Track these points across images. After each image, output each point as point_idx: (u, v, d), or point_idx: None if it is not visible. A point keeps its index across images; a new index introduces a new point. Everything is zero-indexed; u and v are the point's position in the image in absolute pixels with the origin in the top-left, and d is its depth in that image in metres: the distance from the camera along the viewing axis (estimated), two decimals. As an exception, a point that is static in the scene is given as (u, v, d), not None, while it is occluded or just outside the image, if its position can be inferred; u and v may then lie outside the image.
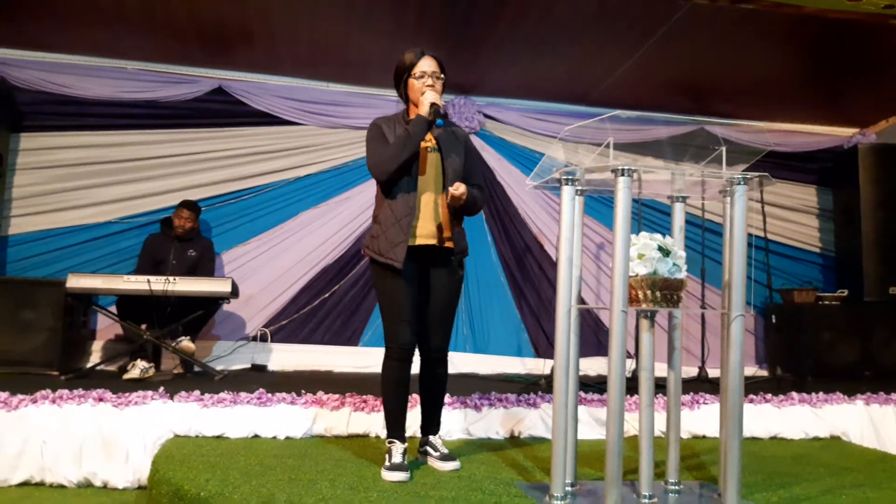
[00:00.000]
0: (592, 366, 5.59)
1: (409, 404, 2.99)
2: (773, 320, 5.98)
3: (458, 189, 2.80)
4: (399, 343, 2.87)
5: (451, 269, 2.94)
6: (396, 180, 2.85)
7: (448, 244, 2.90)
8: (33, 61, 5.44)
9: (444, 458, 2.93)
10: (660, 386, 2.78)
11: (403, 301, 2.85)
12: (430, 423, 3.06)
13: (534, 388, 4.35)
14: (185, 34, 5.12)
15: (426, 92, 2.86)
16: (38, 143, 5.49)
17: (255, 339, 5.65)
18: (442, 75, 2.92)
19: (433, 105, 2.82)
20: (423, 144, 2.86)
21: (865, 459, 3.56)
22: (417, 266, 2.89)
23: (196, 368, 4.91)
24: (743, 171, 2.56)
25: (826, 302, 5.95)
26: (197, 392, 3.68)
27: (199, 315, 4.82)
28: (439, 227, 2.88)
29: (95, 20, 4.92)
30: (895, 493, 2.85)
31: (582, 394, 4.02)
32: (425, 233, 2.86)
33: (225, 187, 5.81)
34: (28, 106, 5.45)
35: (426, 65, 2.89)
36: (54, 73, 5.44)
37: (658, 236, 2.56)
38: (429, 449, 3.00)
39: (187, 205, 5.28)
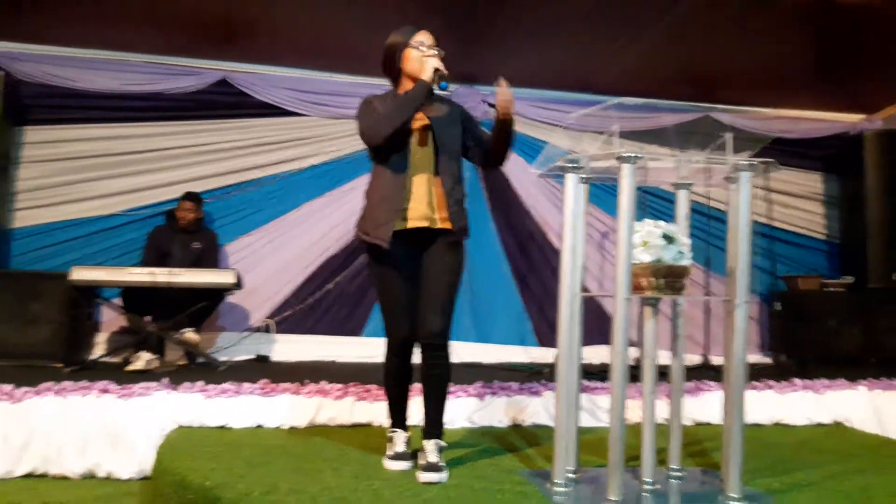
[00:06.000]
0: (596, 354, 5.57)
1: (411, 394, 2.98)
2: (778, 308, 5.96)
3: (505, 92, 2.67)
4: (397, 337, 2.81)
5: (447, 249, 2.77)
6: (389, 154, 2.73)
7: (444, 225, 2.76)
8: (38, 55, 5.43)
9: (427, 467, 2.62)
10: (663, 373, 2.77)
11: (398, 292, 2.77)
12: (427, 422, 2.77)
13: (537, 376, 4.36)
14: (190, 26, 5.11)
15: (429, 58, 2.74)
16: (43, 137, 5.50)
17: (259, 330, 5.67)
18: (440, 49, 2.81)
19: (437, 70, 2.70)
20: (415, 124, 2.75)
21: (868, 445, 3.55)
22: (412, 251, 2.77)
23: (200, 359, 4.93)
24: (748, 157, 2.55)
25: (831, 289, 5.93)
26: (201, 383, 3.69)
27: (204, 306, 4.84)
28: (432, 209, 2.75)
29: (99, 13, 4.91)
30: (899, 478, 2.85)
31: (585, 382, 4.01)
32: (418, 215, 2.73)
33: (229, 179, 5.81)
34: (33, 99, 5.45)
35: (423, 36, 2.80)
36: (59, 66, 5.43)
37: (662, 223, 2.55)
38: (420, 453, 2.75)
39: (189, 196, 5.30)
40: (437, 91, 2.74)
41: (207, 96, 5.74)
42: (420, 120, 2.78)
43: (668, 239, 2.51)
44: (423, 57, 2.77)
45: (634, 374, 2.86)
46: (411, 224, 2.74)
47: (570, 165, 2.59)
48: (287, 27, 5.12)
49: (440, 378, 2.78)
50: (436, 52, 2.78)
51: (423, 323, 2.74)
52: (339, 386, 3.79)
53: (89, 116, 5.57)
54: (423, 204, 2.75)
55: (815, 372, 4.68)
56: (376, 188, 2.78)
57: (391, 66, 2.86)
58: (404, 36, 2.82)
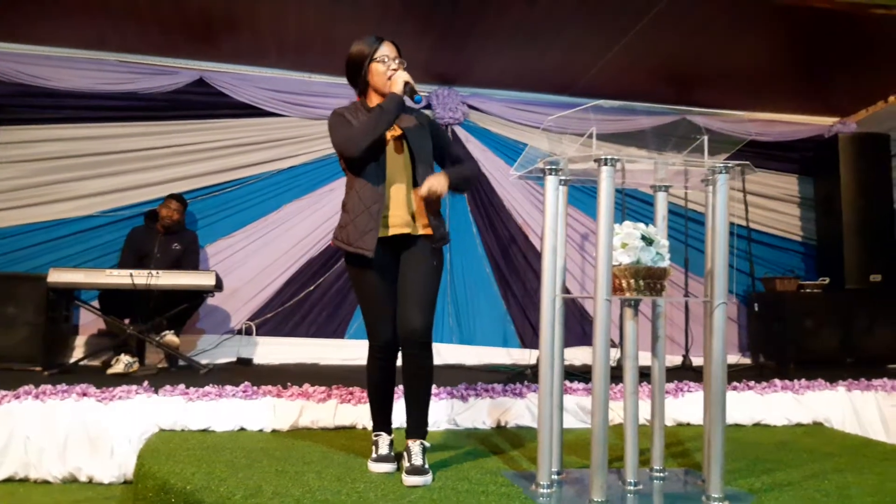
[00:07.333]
0: (577, 355, 5.62)
1: (395, 396, 2.98)
2: (756, 308, 6.02)
3: (424, 189, 2.72)
4: (380, 340, 2.82)
5: (427, 253, 2.79)
6: (364, 165, 2.74)
7: (425, 231, 2.79)
8: (10, 53, 5.36)
9: (411, 470, 2.62)
10: (644, 374, 2.80)
11: (380, 297, 2.79)
12: (411, 422, 2.75)
13: (520, 378, 4.36)
14: (168, 24, 5.06)
15: (398, 71, 2.78)
16: (17, 137, 5.41)
17: (240, 332, 5.63)
18: (403, 61, 2.85)
19: (407, 84, 2.75)
20: (389, 135, 2.78)
21: (847, 445, 3.59)
22: (392, 256, 2.80)
23: (181, 362, 4.89)
24: (725, 160, 2.57)
25: (808, 290, 6.00)
26: (182, 386, 3.67)
27: (184, 309, 4.81)
28: (413, 216, 2.78)
29: (74, 10, 4.85)
30: (876, 477, 2.89)
31: (567, 383, 4.04)
32: (398, 222, 2.76)
33: (208, 180, 5.76)
34: (5, 98, 5.36)
35: (387, 49, 2.82)
36: (32, 65, 5.36)
37: (641, 225, 2.57)
38: (405, 454, 2.72)
39: (175, 197, 5.27)
40: (410, 104, 2.81)
41: (184, 96, 5.69)
42: (393, 131, 2.81)
43: (647, 240, 2.53)
44: (388, 71, 2.79)
45: (616, 374, 2.88)
46: (392, 231, 2.76)
47: (550, 168, 2.61)
48: (269, 26, 5.09)
49: (423, 376, 2.77)
50: (401, 65, 2.82)
51: (404, 321, 2.73)
52: (323, 388, 3.78)
53: (64, 116, 5.49)
54: (403, 211, 2.77)
55: (795, 372, 4.74)
56: (355, 198, 2.77)
57: (356, 78, 2.88)
58: (368, 47, 2.82)
